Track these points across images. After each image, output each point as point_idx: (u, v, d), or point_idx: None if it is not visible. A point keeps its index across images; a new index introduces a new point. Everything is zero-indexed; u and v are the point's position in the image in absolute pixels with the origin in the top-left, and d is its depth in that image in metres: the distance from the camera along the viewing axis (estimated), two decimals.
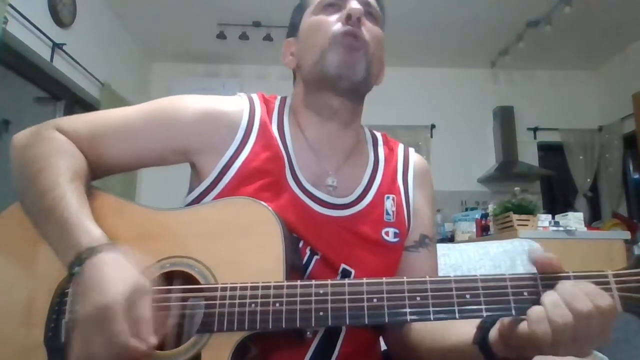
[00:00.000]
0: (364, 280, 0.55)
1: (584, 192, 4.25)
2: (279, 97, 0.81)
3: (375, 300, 0.53)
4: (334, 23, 0.72)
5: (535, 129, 4.42)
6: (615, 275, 0.50)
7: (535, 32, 3.69)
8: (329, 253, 0.68)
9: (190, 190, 0.74)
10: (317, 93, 0.75)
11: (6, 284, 0.61)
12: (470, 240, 3.27)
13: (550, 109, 4.44)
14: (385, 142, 0.85)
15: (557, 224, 2.70)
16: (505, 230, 2.78)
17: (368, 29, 0.73)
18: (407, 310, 0.52)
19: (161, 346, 0.57)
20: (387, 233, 0.74)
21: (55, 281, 0.60)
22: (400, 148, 0.85)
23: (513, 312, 0.50)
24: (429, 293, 0.53)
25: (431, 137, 4.37)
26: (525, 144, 4.33)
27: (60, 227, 0.57)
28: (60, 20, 2.84)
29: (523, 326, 0.48)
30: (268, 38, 3.73)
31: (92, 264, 0.53)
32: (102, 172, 0.71)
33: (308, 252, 0.68)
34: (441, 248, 1.29)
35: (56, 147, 0.65)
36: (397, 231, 0.75)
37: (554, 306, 0.46)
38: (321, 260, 0.68)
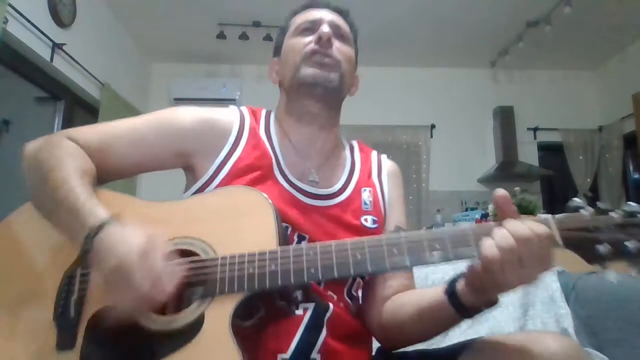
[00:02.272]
0: (348, 241, 0.62)
1: (584, 192, 4.25)
2: (264, 110, 0.92)
3: (358, 255, 0.60)
4: (307, 44, 0.84)
5: (535, 129, 4.42)
6: (554, 218, 0.59)
7: (535, 32, 3.69)
8: (315, 236, 0.75)
9: (187, 189, 0.82)
10: (297, 101, 0.85)
11: (21, 273, 0.68)
12: None
13: (550, 109, 4.43)
14: (361, 149, 0.95)
15: None
16: None
17: (338, 49, 0.85)
18: (386, 259, 0.59)
19: (164, 313, 0.62)
20: (366, 220, 0.82)
21: (62, 269, 0.66)
22: (374, 153, 0.95)
23: (475, 254, 0.58)
24: (405, 247, 0.60)
25: (431, 137, 4.37)
26: (525, 144, 4.33)
27: (72, 213, 0.63)
28: (60, 20, 2.84)
29: (479, 262, 0.57)
30: (268, 38, 3.74)
31: (104, 235, 0.59)
32: (107, 176, 0.78)
33: (296, 238, 0.75)
34: None
35: (66, 151, 0.72)
36: (375, 218, 0.84)
37: (501, 236, 0.56)
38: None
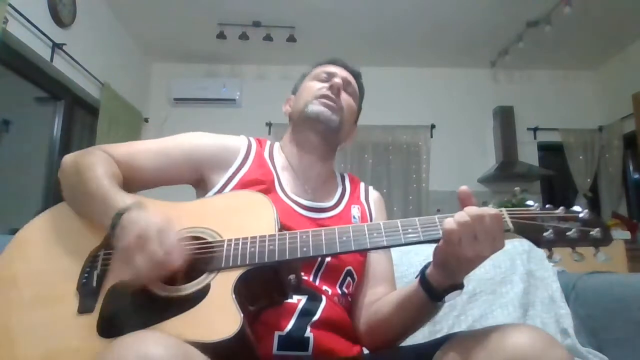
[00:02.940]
0: (336, 227, 0.73)
1: (584, 192, 4.25)
2: (269, 141, 1.08)
3: (344, 237, 0.72)
4: (320, 88, 1.02)
5: (535, 129, 4.42)
6: (507, 210, 0.71)
7: (535, 32, 3.69)
8: None
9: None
10: (301, 132, 1.01)
11: (55, 256, 0.79)
12: None
13: (550, 109, 4.43)
14: (351, 179, 1.11)
15: None
16: None
17: (344, 99, 1.03)
18: (368, 239, 0.71)
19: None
20: None
21: (87, 251, 0.78)
22: (362, 184, 1.11)
23: (441, 234, 0.69)
24: (383, 231, 0.72)
25: (431, 137, 4.37)
26: (525, 144, 4.32)
27: (103, 202, 0.75)
28: (60, 20, 2.85)
29: (442, 241, 0.69)
30: (268, 38, 3.74)
31: (129, 214, 0.70)
32: (132, 186, 0.87)
33: None
34: None
35: (99, 159, 0.85)
36: None
37: (459, 214, 0.67)
38: None
